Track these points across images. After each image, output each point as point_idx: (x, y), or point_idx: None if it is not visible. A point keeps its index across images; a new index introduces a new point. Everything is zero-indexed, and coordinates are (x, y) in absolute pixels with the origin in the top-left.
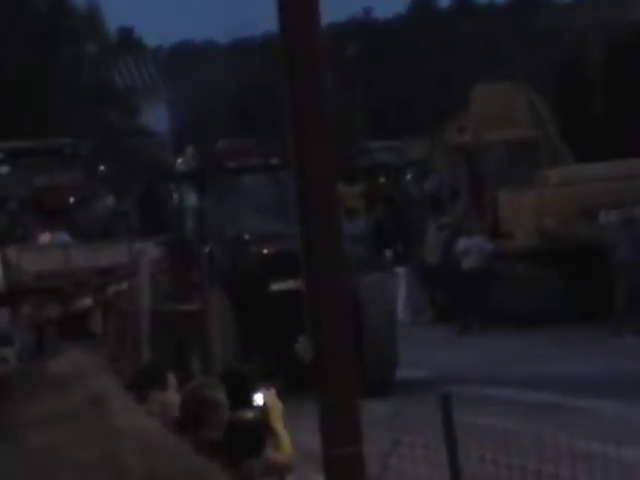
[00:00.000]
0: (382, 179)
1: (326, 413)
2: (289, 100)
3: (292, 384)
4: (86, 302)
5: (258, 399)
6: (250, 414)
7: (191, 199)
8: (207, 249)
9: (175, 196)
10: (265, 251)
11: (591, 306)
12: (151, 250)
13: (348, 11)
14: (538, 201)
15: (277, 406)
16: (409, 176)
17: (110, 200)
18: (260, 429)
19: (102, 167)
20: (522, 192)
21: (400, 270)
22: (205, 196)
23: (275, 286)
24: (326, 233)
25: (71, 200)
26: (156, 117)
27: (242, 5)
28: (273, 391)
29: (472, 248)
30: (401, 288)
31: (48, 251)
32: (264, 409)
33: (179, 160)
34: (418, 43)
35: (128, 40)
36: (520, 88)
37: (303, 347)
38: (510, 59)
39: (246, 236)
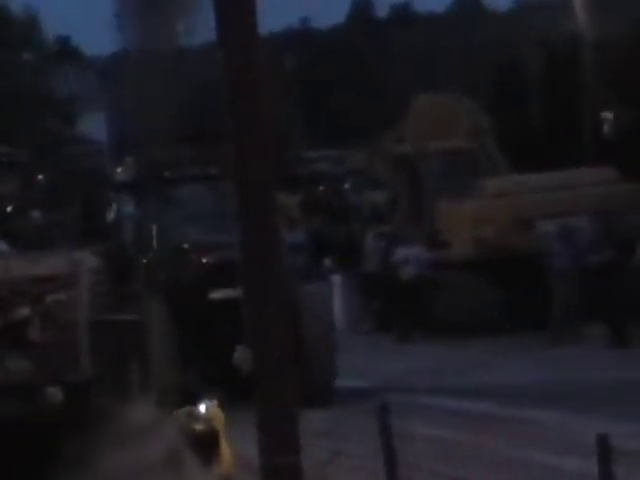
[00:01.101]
0: (321, 188)
1: (264, 423)
2: (228, 110)
3: (230, 393)
4: (24, 311)
5: (202, 410)
6: (199, 426)
7: (130, 208)
8: (146, 258)
9: (114, 205)
10: (204, 260)
11: (529, 316)
12: (89, 260)
13: (285, 21)
14: (476, 211)
15: (220, 417)
16: (347, 185)
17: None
18: (210, 441)
19: (40, 176)
20: (460, 202)
21: (336, 278)
22: (144, 206)
23: (214, 295)
24: (265, 243)
25: (8, 209)
26: (95, 126)
27: (182, 13)
28: (215, 402)
29: (410, 257)
30: (337, 297)
31: None
32: (209, 420)
33: (118, 169)
34: (356, 53)
35: (66, 48)
36: (458, 98)
37: (241, 357)
38: (449, 69)
39: (185, 245)
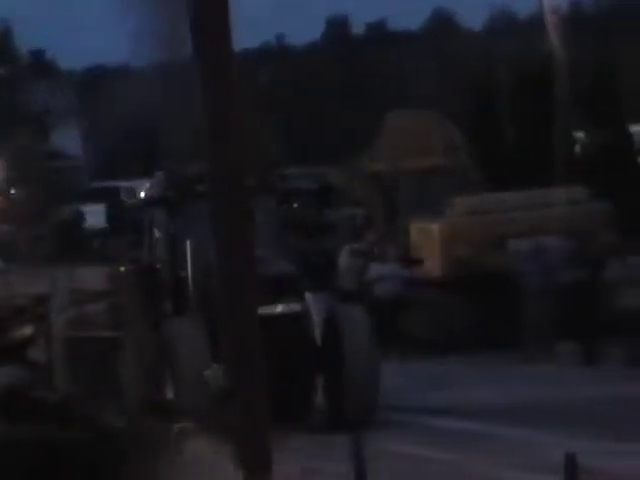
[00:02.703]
0: (295, 205)
1: (236, 439)
2: (204, 125)
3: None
4: (26, 330)
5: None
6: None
7: (161, 225)
8: (178, 277)
9: (144, 222)
10: None
11: (502, 333)
12: (93, 277)
13: (260, 37)
14: (449, 229)
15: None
16: (324, 202)
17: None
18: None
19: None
20: (434, 220)
21: (309, 296)
22: (176, 222)
23: None
24: (239, 260)
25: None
26: (69, 140)
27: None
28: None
29: (385, 275)
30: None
31: None
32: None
33: (147, 185)
34: (332, 70)
35: (40, 62)
36: (433, 116)
37: (214, 375)
38: (423, 87)
39: None
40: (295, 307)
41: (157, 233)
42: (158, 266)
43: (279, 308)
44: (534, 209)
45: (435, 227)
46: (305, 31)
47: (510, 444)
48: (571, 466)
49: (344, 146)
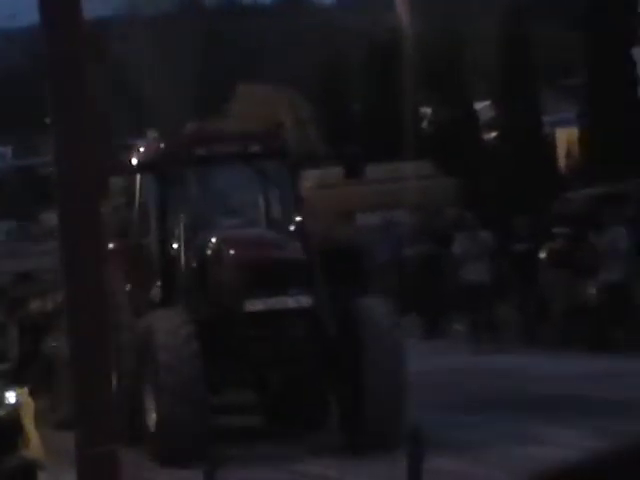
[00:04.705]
0: None
1: (80, 413)
2: (50, 97)
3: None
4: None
5: (10, 397)
6: (1, 412)
7: (152, 195)
8: (169, 256)
9: (132, 191)
10: (242, 260)
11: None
12: None
13: (113, 6)
14: None
15: (29, 405)
16: None
17: None
18: (13, 427)
19: None
20: None
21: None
22: (170, 190)
23: (251, 306)
24: (86, 229)
25: None
26: None
27: None
28: (26, 390)
29: None
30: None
31: None
32: (16, 407)
33: (139, 147)
34: (184, 40)
35: None
36: (281, 89)
37: (53, 347)
38: (276, 59)
39: (219, 240)
40: (306, 299)
41: (146, 203)
42: (145, 243)
43: (286, 301)
44: (383, 183)
45: None
46: (159, 2)
47: None
48: (415, 438)
49: (196, 116)
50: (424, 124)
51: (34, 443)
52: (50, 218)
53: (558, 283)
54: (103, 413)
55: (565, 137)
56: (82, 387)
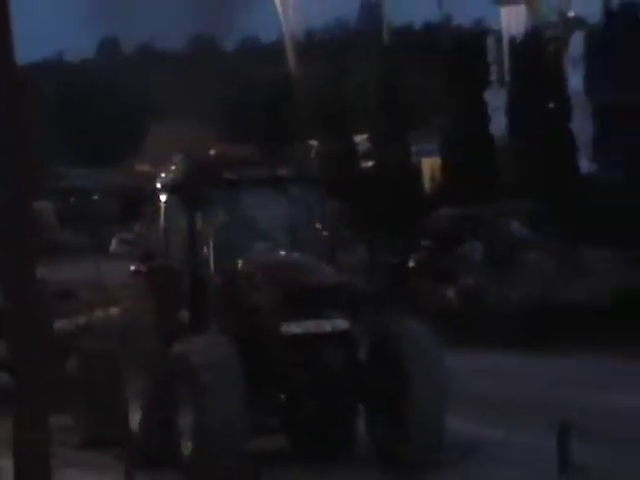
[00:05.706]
0: (72, 200)
1: (19, 401)
2: None
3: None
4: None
5: None
6: None
7: (179, 218)
8: (199, 281)
9: (160, 214)
10: (274, 284)
11: None
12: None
13: (41, 53)
14: None
15: None
16: (96, 197)
17: None
18: None
19: None
20: None
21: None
22: (197, 214)
23: (287, 328)
24: (19, 241)
25: None
26: None
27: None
28: None
29: None
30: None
31: None
32: None
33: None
34: (105, 83)
35: None
36: (188, 124)
37: None
38: (184, 99)
39: (249, 264)
40: (340, 323)
41: (174, 227)
42: (175, 268)
43: (323, 325)
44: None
45: None
46: (82, 49)
47: None
48: None
49: (118, 150)
50: (312, 154)
51: None
52: None
53: (423, 289)
54: (38, 402)
55: (429, 165)
56: (20, 372)
